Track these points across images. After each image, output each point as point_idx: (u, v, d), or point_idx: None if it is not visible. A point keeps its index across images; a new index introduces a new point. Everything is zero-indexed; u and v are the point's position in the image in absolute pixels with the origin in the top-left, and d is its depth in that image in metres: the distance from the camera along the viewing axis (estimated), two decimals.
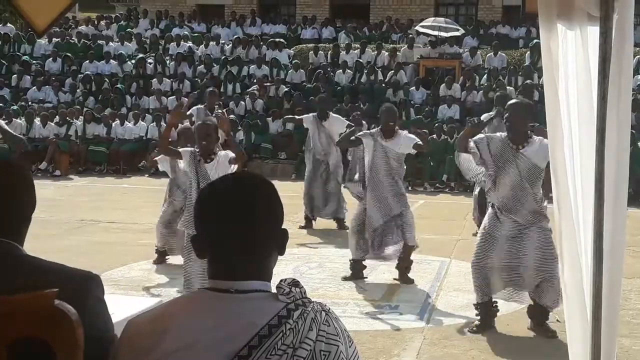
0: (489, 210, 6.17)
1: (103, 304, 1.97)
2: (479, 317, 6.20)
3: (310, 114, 10.90)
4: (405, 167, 7.83)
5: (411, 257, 7.81)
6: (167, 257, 8.43)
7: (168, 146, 6.46)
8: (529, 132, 6.07)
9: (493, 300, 6.20)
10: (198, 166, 6.17)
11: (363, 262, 7.86)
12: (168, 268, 8.16)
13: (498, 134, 6.30)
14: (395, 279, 7.76)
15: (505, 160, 5.96)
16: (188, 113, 10.22)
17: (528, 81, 17.41)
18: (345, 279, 7.79)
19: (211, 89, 14.14)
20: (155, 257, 8.42)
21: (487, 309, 6.18)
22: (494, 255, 6.00)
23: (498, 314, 6.27)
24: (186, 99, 15.67)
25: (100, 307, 1.95)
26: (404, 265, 7.73)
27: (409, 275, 7.73)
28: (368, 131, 7.85)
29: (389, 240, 7.66)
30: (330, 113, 10.77)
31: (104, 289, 1.99)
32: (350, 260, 7.89)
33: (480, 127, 6.25)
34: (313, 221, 10.65)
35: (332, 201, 10.58)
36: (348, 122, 10.38)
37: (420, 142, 7.52)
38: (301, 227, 10.37)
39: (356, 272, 7.83)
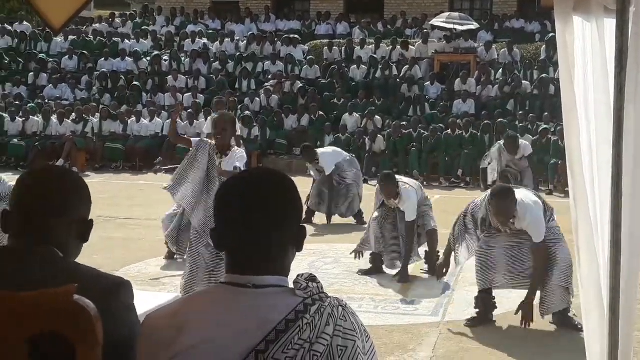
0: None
1: (132, 309, 1.98)
2: (476, 311, 6.20)
3: (307, 163, 11.18)
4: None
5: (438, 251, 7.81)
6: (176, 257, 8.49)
7: (178, 135, 6.53)
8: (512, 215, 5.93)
9: (492, 295, 6.21)
10: (213, 159, 6.19)
11: (382, 257, 7.87)
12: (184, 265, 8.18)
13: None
14: (421, 270, 7.74)
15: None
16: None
17: (544, 75, 17.37)
18: (363, 273, 7.81)
19: (218, 97, 14.21)
20: (167, 252, 8.46)
21: (485, 301, 6.18)
22: (498, 247, 6.02)
23: (515, 307, 6.25)
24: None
25: (128, 313, 1.96)
26: (432, 254, 7.74)
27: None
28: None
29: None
30: (318, 152, 10.89)
31: (133, 294, 2.00)
32: (370, 254, 7.91)
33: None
34: (312, 217, 10.67)
35: (344, 199, 10.58)
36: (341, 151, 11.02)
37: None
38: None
39: (376, 266, 7.84)
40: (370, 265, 7.91)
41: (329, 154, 10.91)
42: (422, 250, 7.88)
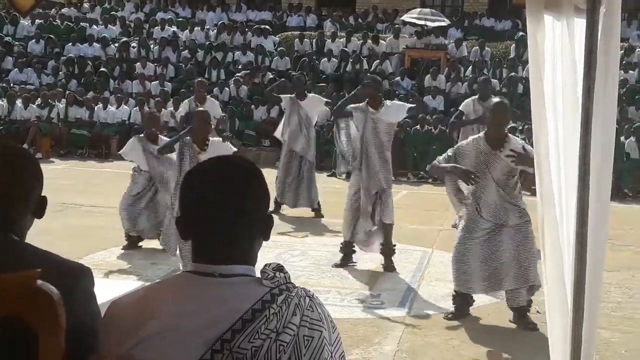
0: (470, 202, 6.17)
1: (92, 296, 1.96)
2: (454, 305, 6.24)
3: (288, 95, 10.87)
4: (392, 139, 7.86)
5: (394, 244, 7.86)
6: (139, 244, 8.41)
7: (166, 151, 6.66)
8: (507, 133, 6.07)
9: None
10: (193, 156, 6.26)
11: (354, 246, 7.88)
12: (149, 252, 8.12)
13: (470, 138, 6.30)
14: (382, 264, 7.76)
15: (487, 163, 5.98)
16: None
17: (513, 74, 17.50)
18: (336, 265, 7.80)
19: (199, 79, 14.13)
20: (127, 243, 8.39)
21: (463, 298, 6.23)
22: (474, 250, 6.03)
23: (480, 304, 6.32)
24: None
25: (89, 299, 1.94)
26: (388, 248, 7.74)
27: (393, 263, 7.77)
28: (357, 105, 7.80)
29: (373, 233, 7.68)
30: (308, 93, 10.80)
31: (94, 281, 1.98)
32: (341, 243, 7.92)
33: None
34: (281, 206, 10.63)
35: (305, 190, 10.54)
36: (326, 100, 10.58)
37: (413, 106, 7.79)
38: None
39: (346, 255, 7.85)
40: (341, 256, 7.89)
41: (318, 98, 10.80)
42: (378, 244, 7.85)
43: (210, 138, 6.57)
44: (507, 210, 5.98)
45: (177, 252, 7.06)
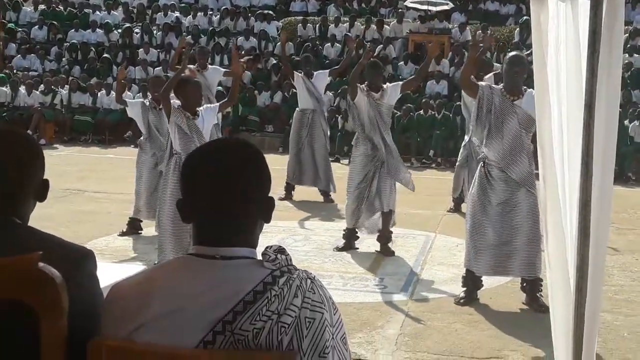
0: (478, 170, 6.15)
1: (95, 280, 1.96)
2: (464, 289, 6.24)
3: (299, 75, 10.87)
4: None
5: (395, 231, 7.87)
6: (139, 232, 8.42)
7: (168, 95, 6.50)
8: (523, 85, 6.08)
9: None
10: (190, 121, 6.31)
11: (357, 233, 7.91)
12: (151, 238, 8.13)
13: (495, 86, 6.34)
14: (377, 251, 7.79)
15: (504, 111, 5.97)
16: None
17: (517, 52, 17.42)
18: (338, 249, 7.83)
19: (201, 46, 14.08)
20: (127, 229, 8.39)
21: (474, 279, 6.22)
22: (488, 226, 6.02)
23: (483, 287, 6.32)
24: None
25: (92, 283, 1.94)
26: (384, 234, 7.76)
27: (391, 247, 7.77)
28: (360, 87, 7.79)
29: (371, 210, 7.70)
30: (314, 72, 10.83)
31: (97, 265, 1.98)
32: (344, 230, 7.94)
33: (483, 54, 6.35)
34: (293, 191, 10.64)
35: (322, 171, 10.56)
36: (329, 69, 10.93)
37: (407, 81, 8.01)
38: (281, 199, 10.21)
39: (349, 242, 7.87)
40: (344, 242, 7.91)
41: (324, 73, 10.84)
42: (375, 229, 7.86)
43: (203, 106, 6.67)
44: (518, 162, 5.94)
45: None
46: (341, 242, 7.95)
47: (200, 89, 6.85)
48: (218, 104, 7.04)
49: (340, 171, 12.05)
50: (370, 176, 7.69)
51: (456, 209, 9.77)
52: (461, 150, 9.41)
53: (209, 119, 6.56)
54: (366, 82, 7.78)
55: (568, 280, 3.00)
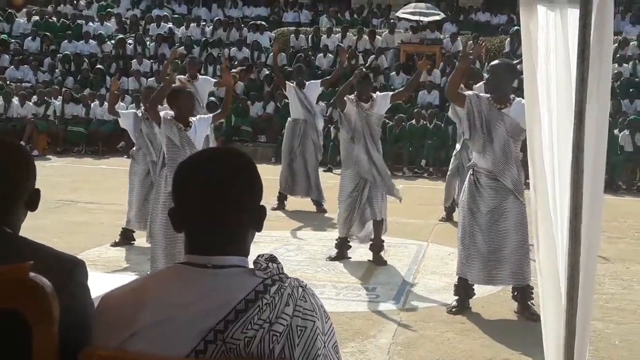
0: (468, 178, 6.18)
1: (86, 289, 1.96)
2: (456, 298, 6.25)
3: (290, 85, 10.92)
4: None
5: (387, 240, 7.89)
6: (132, 242, 8.40)
7: (155, 107, 6.53)
8: (510, 93, 6.14)
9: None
10: (182, 133, 6.31)
11: (349, 242, 7.93)
12: (144, 249, 8.11)
13: (482, 94, 6.38)
14: (369, 260, 7.79)
15: (491, 119, 6.01)
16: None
17: (495, 62, 17.48)
18: (330, 259, 7.84)
19: (191, 56, 14.11)
20: (119, 239, 8.37)
21: (466, 288, 6.24)
22: (478, 234, 6.04)
23: (475, 296, 6.33)
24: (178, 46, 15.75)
25: (82, 292, 1.94)
26: (377, 244, 7.76)
27: (383, 256, 7.78)
28: (349, 98, 7.84)
29: (365, 218, 7.71)
30: (306, 82, 10.86)
31: (88, 274, 1.98)
32: (336, 239, 7.95)
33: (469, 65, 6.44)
34: (285, 201, 10.64)
35: (314, 182, 10.57)
36: (321, 79, 11.00)
37: (398, 92, 8.01)
38: (274, 209, 10.25)
39: (341, 251, 7.89)
40: (336, 251, 7.93)
41: (316, 83, 10.87)
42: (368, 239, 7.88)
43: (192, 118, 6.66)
44: (506, 170, 5.98)
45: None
46: (334, 252, 7.96)
47: (193, 100, 6.87)
48: (211, 115, 7.03)
49: (333, 181, 12.07)
50: (361, 185, 7.72)
51: (448, 218, 9.80)
52: (452, 159, 9.45)
53: (202, 129, 6.56)
54: (355, 93, 7.82)
55: (559, 289, 3.01)
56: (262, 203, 1.90)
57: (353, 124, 7.73)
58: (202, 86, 10.60)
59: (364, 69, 8.41)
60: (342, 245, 7.94)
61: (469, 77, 8.45)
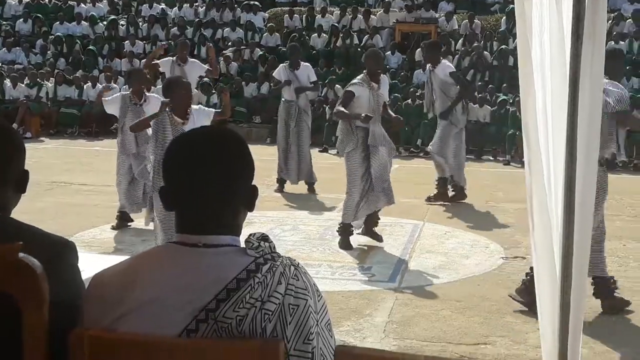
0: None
1: (76, 270, 1.95)
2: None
3: (281, 65, 10.85)
4: None
5: (383, 219, 7.91)
6: (128, 224, 8.38)
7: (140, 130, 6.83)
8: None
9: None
10: (175, 130, 6.21)
11: (352, 228, 7.65)
12: (139, 230, 8.11)
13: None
14: (360, 233, 7.72)
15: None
16: (154, 62, 10.48)
17: (503, 47, 17.45)
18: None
19: (182, 39, 14.04)
20: (117, 223, 8.34)
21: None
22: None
23: (470, 274, 6.33)
24: (163, 43, 15.81)
25: (72, 273, 1.93)
26: (374, 220, 7.73)
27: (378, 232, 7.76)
28: (356, 81, 7.71)
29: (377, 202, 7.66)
30: (302, 62, 10.79)
31: (78, 255, 1.97)
32: (339, 224, 7.65)
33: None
34: (285, 184, 10.63)
35: (304, 164, 10.55)
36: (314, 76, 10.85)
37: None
38: (276, 191, 10.33)
39: (346, 237, 7.59)
40: (341, 237, 7.68)
41: (309, 67, 10.82)
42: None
43: (192, 106, 6.56)
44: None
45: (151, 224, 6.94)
46: (328, 232, 7.91)
47: (190, 90, 6.79)
48: (213, 110, 6.89)
49: (329, 161, 12.06)
50: (368, 167, 7.65)
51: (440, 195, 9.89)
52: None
53: (201, 122, 6.26)
54: (366, 71, 7.72)
55: (554, 266, 3.01)
56: (257, 184, 1.88)
57: (365, 107, 7.51)
58: (190, 69, 10.56)
59: (371, 49, 8.63)
60: (345, 231, 7.61)
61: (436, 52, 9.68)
